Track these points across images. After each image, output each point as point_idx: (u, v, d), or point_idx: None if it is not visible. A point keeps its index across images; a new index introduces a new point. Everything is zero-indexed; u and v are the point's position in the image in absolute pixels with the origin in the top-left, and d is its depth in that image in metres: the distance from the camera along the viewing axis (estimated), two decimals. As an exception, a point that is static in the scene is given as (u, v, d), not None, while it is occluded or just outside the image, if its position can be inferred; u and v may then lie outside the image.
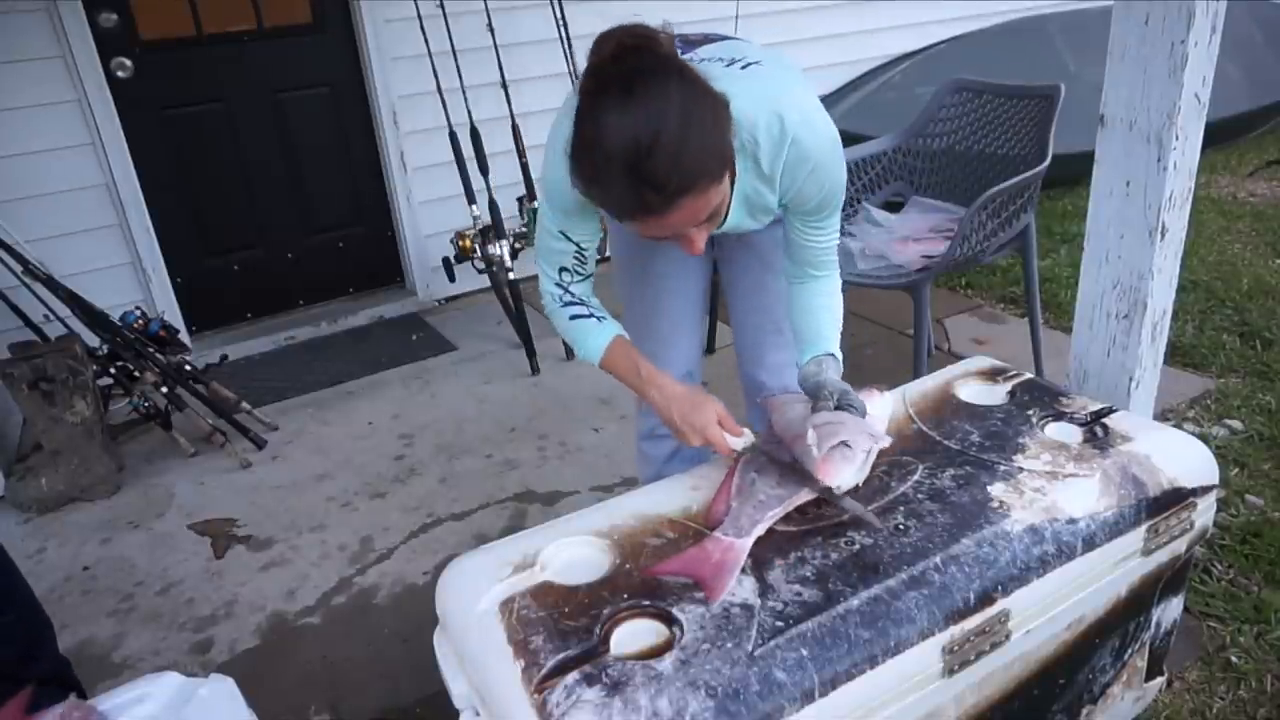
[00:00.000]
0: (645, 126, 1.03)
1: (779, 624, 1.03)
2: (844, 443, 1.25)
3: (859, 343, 3.09)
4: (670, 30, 1.12)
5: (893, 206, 2.76)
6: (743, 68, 1.26)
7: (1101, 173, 1.54)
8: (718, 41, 1.35)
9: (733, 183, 1.27)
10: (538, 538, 1.22)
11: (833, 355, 1.42)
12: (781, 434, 1.30)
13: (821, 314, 1.44)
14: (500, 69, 3.07)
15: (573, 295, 1.42)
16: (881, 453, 1.30)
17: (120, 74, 3.06)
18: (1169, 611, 1.44)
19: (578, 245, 1.38)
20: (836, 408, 1.31)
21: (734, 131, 1.15)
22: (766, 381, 1.68)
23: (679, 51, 1.24)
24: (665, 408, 1.36)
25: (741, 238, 1.59)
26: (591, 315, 1.42)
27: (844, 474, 1.23)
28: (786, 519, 1.19)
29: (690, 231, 1.17)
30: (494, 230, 3.02)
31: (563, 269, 1.40)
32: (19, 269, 2.65)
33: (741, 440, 1.32)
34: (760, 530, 1.16)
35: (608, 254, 1.75)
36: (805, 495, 1.21)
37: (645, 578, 1.12)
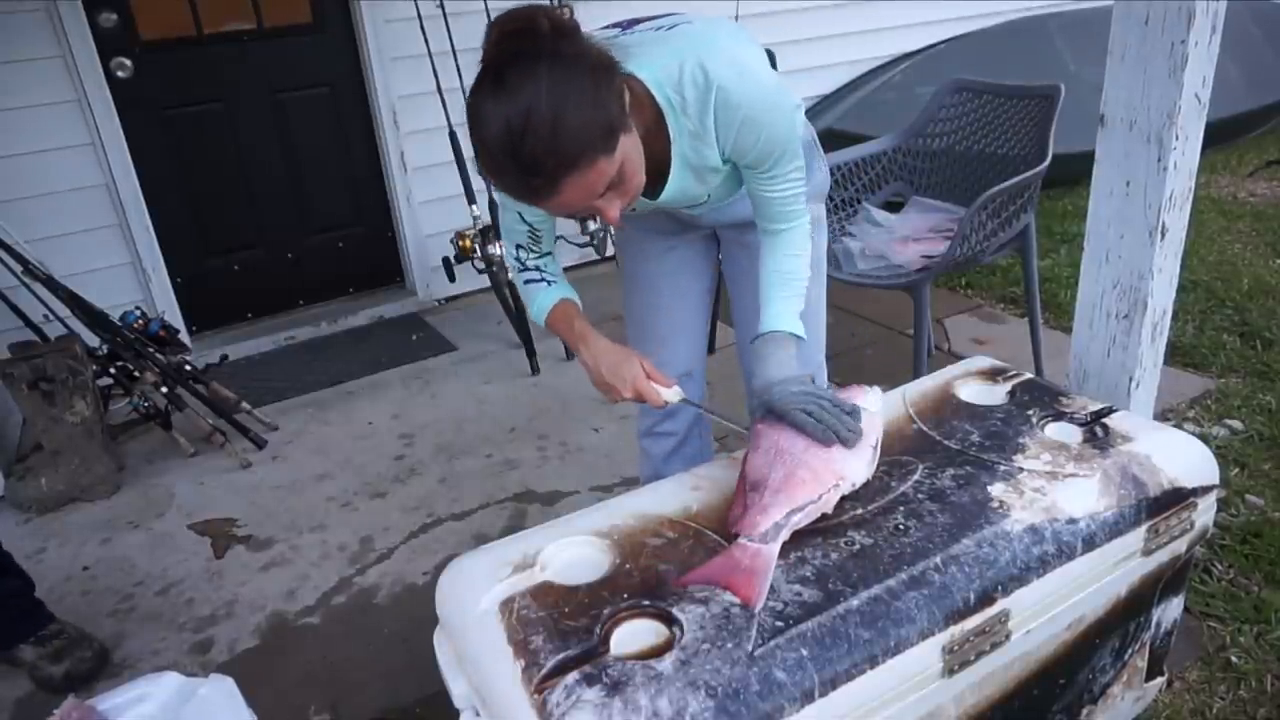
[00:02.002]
0: (515, 112, 1.05)
1: (779, 624, 1.03)
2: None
3: (859, 343, 3.09)
4: (564, 8, 1.15)
5: (893, 206, 2.76)
6: (670, 28, 1.27)
7: (1101, 173, 1.54)
8: (660, 16, 1.34)
9: (669, 146, 1.28)
10: (538, 538, 1.22)
11: (784, 333, 1.36)
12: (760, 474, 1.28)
13: (770, 277, 1.39)
14: (500, 69, 3.07)
15: (527, 264, 1.49)
16: (882, 453, 1.30)
17: (120, 74, 3.06)
18: (1169, 611, 1.44)
19: (530, 226, 1.43)
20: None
21: (652, 91, 1.20)
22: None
23: (621, 30, 1.31)
24: (594, 365, 1.40)
25: (742, 238, 1.58)
26: (543, 280, 1.48)
27: (854, 469, 1.23)
28: (786, 519, 1.19)
29: (597, 204, 1.17)
30: (494, 230, 3.01)
31: (519, 245, 1.47)
32: (19, 269, 2.65)
33: (671, 392, 1.37)
34: (786, 535, 1.14)
35: (609, 254, 1.76)
36: (830, 500, 1.20)
37: (646, 576, 1.11)
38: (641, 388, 1.36)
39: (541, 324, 1.50)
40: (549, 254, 1.49)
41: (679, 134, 1.27)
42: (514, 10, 1.10)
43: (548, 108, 1.04)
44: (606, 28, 1.38)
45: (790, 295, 1.38)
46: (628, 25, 1.35)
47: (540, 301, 1.48)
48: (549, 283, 1.48)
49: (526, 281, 1.49)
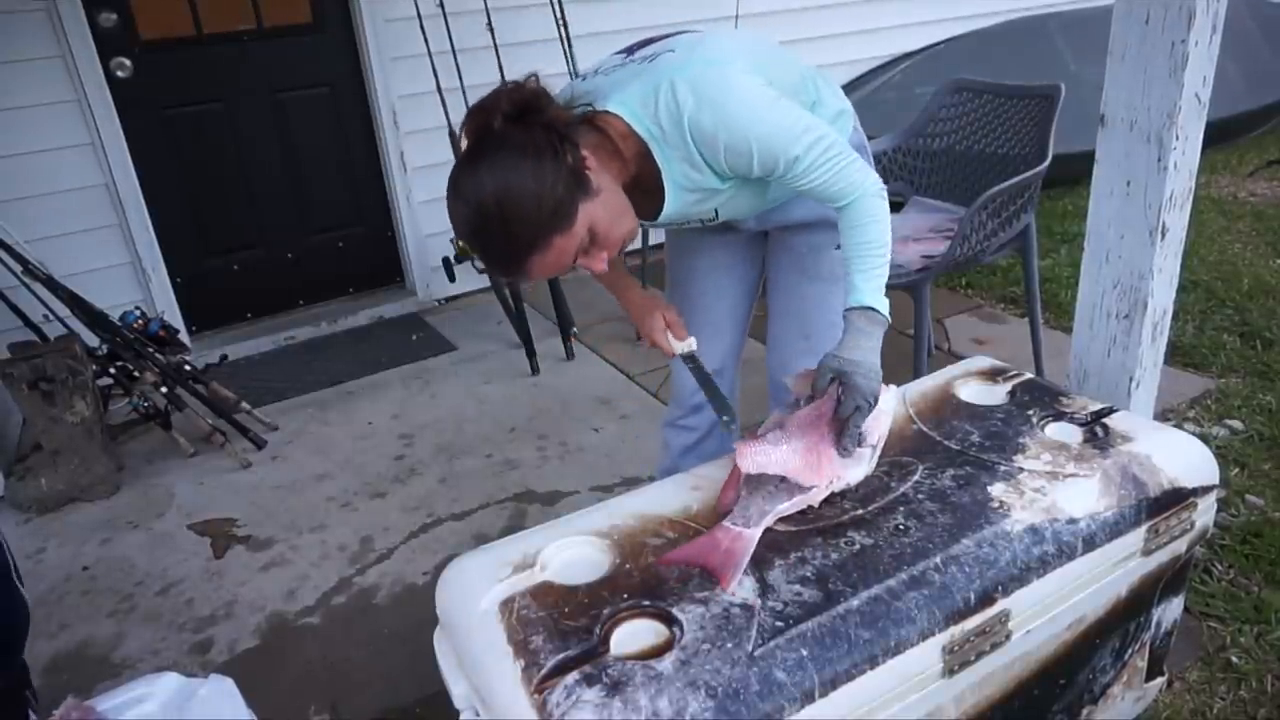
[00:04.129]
0: (470, 213, 1.17)
1: (779, 624, 1.03)
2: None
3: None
4: (534, 78, 1.20)
5: (893, 206, 2.75)
6: (651, 60, 1.28)
7: (1101, 173, 1.54)
8: (667, 38, 1.34)
9: (662, 183, 1.31)
10: (538, 538, 1.22)
11: (862, 308, 1.29)
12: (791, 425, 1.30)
13: (850, 254, 1.32)
14: (500, 69, 3.07)
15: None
16: (882, 453, 1.30)
17: (120, 74, 3.06)
18: (1169, 612, 1.44)
19: None
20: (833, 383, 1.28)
21: (633, 126, 1.24)
22: (790, 386, 1.69)
23: (625, 55, 1.34)
24: (632, 315, 1.52)
25: (783, 238, 1.59)
26: None
27: (852, 471, 1.24)
28: (787, 519, 1.19)
29: (579, 263, 1.25)
30: (494, 230, 3.01)
31: None
32: (19, 269, 2.64)
33: (681, 345, 1.46)
34: (769, 521, 1.16)
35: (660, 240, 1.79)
36: (818, 493, 1.21)
37: (646, 576, 1.11)
38: (658, 340, 1.46)
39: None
40: None
41: (667, 161, 1.28)
42: (478, 104, 1.19)
43: (493, 204, 1.14)
44: (616, 54, 1.39)
45: (868, 268, 1.30)
46: (634, 47, 1.36)
47: None
48: None
49: None
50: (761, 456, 1.22)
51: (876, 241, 1.31)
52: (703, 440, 1.80)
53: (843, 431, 1.24)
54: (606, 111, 1.26)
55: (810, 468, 1.22)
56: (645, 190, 1.31)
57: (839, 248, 1.35)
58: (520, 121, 1.16)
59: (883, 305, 1.30)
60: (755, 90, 1.24)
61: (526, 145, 1.15)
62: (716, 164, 1.27)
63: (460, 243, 1.29)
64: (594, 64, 1.41)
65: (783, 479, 1.22)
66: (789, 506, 1.19)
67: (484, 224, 1.16)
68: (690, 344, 1.48)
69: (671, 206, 1.35)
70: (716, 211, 1.43)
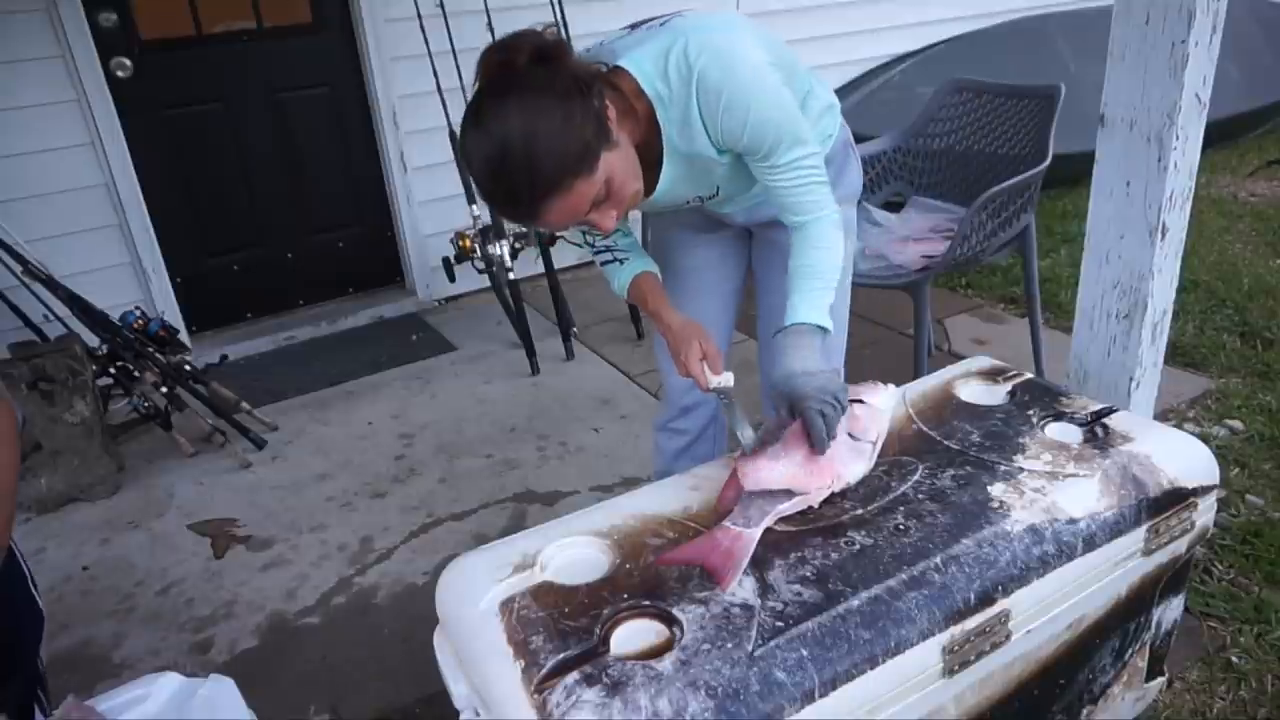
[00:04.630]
0: (491, 146, 1.13)
1: (779, 624, 1.03)
2: (850, 435, 1.27)
3: (859, 343, 3.07)
4: (551, 29, 1.18)
5: (893, 206, 2.76)
6: (661, 24, 1.28)
7: (1101, 173, 1.54)
8: (672, 14, 1.34)
9: (660, 156, 1.31)
10: (538, 538, 1.22)
11: (809, 325, 1.32)
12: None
13: (797, 271, 1.36)
14: (500, 69, 3.07)
15: (595, 244, 1.50)
16: (882, 452, 1.30)
17: (120, 74, 3.06)
18: (1169, 612, 1.44)
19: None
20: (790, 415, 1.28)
21: (643, 86, 1.24)
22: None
23: (630, 30, 1.32)
24: (669, 341, 1.43)
25: (770, 236, 1.59)
26: (614, 258, 1.49)
27: (852, 470, 1.24)
28: (788, 519, 1.19)
29: (589, 217, 1.22)
30: (494, 230, 3.01)
31: (583, 230, 1.44)
32: (19, 269, 2.65)
33: (717, 379, 1.35)
34: (769, 521, 1.16)
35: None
36: (819, 494, 1.21)
37: (646, 576, 1.11)
38: (692, 369, 1.36)
39: (623, 298, 1.53)
40: (616, 229, 1.46)
41: (668, 124, 1.29)
42: (500, 42, 1.15)
43: (520, 140, 1.11)
44: (622, 29, 1.39)
45: (814, 288, 1.34)
46: (628, 31, 1.36)
47: (619, 278, 1.50)
48: (620, 260, 1.49)
49: (603, 263, 1.51)
50: (765, 474, 1.21)
51: (822, 266, 1.34)
52: (694, 443, 1.79)
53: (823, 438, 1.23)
54: (618, 68, 1.26)
55: (813, 474, 1.22)
56: (645, 163, 1.30)
57: None
58: (545, 64, 1.14)
59: (826, 321, 1.33)
60: (765, 67, 1.26)
61: (555, 85, 1.13)
62: (713, 126, 1.27)
63: (476, 188, 1.23)
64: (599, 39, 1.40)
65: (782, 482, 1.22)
66: (789, 506, 1.19)
67: (506, 159, 1.12)
68: (728, 379, 1.36)
69: (667, 175, 1.34)
70: (718, 189, 1.43)
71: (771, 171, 1.32)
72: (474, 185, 1.21)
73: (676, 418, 1.78)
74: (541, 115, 1.11)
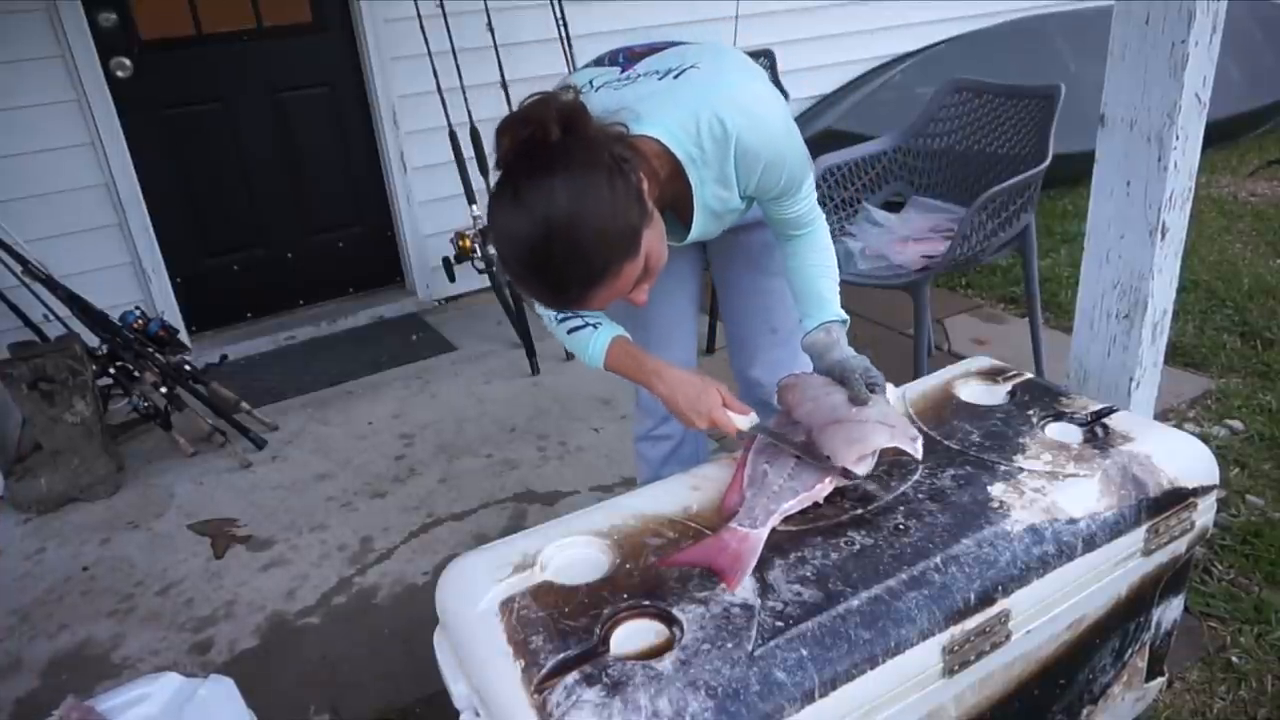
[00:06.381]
0: (535, 232, 1.04)
1: (779, 624, 1.03)
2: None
3: (859, 343, 3.07)
4: (571, 91, 1.13)
5: (893, 206, 2.76)
6: (676, 77, 1.24)
7: (1101, 173, 1.54)
8: (661, 51, 1.31)
9: (690, 192, 1.29)
10: (538, 538, 1.22)
11: (839, 320, 1.44)
12: (805, 419, 1.31)
13: (812, 272, 1.43)
14: (500, 69, 3.07)
15: (560, 314, 1.42)
16: (882, 453, 1.30)
17: (120, 74, 3.06)
18: (1169, 612, 1.44)
19: None
20: (869, 389, 1.33)
21: (671, 149, 1.20)
22: (761, 378, 1.68)
23: (620, 69, 1.29)
24: (671, 396, 1.35)
25: (732, 239, 1.59)
26: (586, 324, 1.41)
27: (855, 469, 1.24)
28: (788, 519, 1.19)
29: (629, 294, 1.18)
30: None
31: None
32: (19, 269, 2.65)
33: (746, 420, 1.34)
34: (775, 520, 1.16)
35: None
36: (822, 490, 1.21)
37: (646, 576, 1.11)
38: (718, 418, 1.32)
39: (601, 368, 1.42)
40: None
41: (701, 183, 1.28)
42: (523, 112, 1.07)
43: (567, 226, 1.03)
44: (596, 60, 1.36)
45: (832, 287, 1.45)
46: (620, 57, 1.33)
47: (594, 348, 1.40)
48: (593, 326, 1.41)
49: (570, 330, 1.42)
50: (870, 430, 1.25)
51: (832, 264, 1.46)
52: (679, 447, 1.78)
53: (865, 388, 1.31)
54: (644, 135, 1.20)
55: (897, 430, 1.26)
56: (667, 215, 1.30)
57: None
58: (574, 135, 1.07)
59: (843, 314, 1.46)
60: (785, 112, 1.27)
61: (598, 162, 1.06)
62: (747, 183, 1.29)
63: (504, 270, 1.14)
64: (582, 74, 1.34)
65: (789, 476, 1.22)
66: (795, 505, 1.19)
67: (551, 251, 1.04)
68: (753, 417, 1.35)
69: (698, 227, 1.34)
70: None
71: (790, 204, 1.37)
72: (506, 267, 1.10)
73: (658, 425, 1.76)
74: (588, 197, 1.04)
